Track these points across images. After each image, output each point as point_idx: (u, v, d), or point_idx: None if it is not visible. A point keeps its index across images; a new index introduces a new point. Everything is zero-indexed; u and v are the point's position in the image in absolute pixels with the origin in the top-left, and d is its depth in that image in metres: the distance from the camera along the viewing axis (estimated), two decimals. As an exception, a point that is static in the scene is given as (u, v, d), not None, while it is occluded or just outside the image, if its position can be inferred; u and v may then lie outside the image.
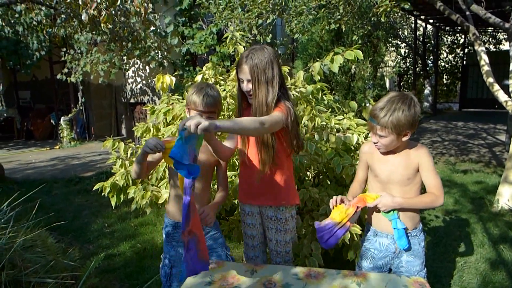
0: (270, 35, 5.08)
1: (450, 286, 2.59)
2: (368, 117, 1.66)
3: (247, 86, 1.78)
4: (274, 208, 1.90)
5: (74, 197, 4.84)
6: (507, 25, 4.13)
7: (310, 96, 3.02)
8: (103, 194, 2.83)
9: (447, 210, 3.98)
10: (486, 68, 4.07)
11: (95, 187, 2.81)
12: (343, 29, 4.17)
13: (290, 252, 1.99)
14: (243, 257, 2.13)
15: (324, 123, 2.89)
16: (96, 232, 3.65)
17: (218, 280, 1.66)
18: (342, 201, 1.71)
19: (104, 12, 2.65)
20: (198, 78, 2.81)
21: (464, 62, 15.53)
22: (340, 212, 1.69)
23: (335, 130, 2.84)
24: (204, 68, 2.90)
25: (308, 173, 2.99)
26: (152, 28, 7.07)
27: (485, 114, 12.68)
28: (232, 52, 3.17)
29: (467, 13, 4.26)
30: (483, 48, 4.13)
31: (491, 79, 4.01)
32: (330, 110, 3.25)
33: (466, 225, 3.58)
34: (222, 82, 2.90)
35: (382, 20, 3.34)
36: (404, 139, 1.63)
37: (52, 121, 9.70)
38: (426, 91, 14.33)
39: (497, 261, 2.89)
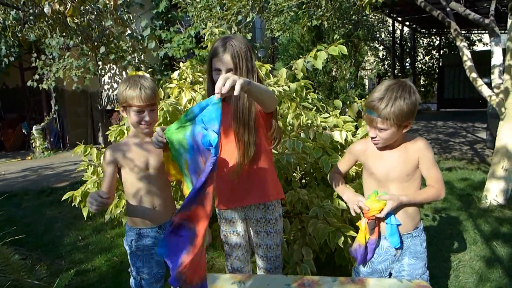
0: (250, 33, 4.94)
1: (448, 287, 2.47)
2: (365, 109, 1.52)
3: None
4: (263, 208, 1.73)
5: (46, 209, 4.53)
6: (487, 21, 4.12)
7: (294, 95, 2.88)
8: (73, 204, 2.61)
9: (436, 208, 3.89)
10: (468, 63, 4.04)
11: (64, 197, 2.58)
12: (325, 26, 4.07)
13: (280, 256, 1.83)
14: (226, 270, 1.93)
15: (310, 121, 2.75)
16: (69, 246, 3.39)
17: (202, 295, 1.48)
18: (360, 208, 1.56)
19: (69, 5, 2.44)
20: (175, 74, 2.63)
21: (440, 64, 15.83)
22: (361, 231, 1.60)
23: (321, 128, 2.70)
24: (181, 64, 2.71)
25: (294, 174, 2.84)
26: (129, 31, 6.84)
27: (462, 113, 12.89)
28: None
29: (448, 9, 4.23)
30: (465, 44, 4.10)
31: (474, 74, 3.98)
32: (314, 108, 3.13)
33: (456, 223, 3.50)
34: (201, 79, 2.72)
35: (367, 12, 3.24)
36: (405, 131, 1.50)
37: (23, 131, 9.24)
38: (405, 92, 14.48)
39: (492, 259, 2.80)
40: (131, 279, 1.77)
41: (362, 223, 1.58)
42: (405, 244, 1.59)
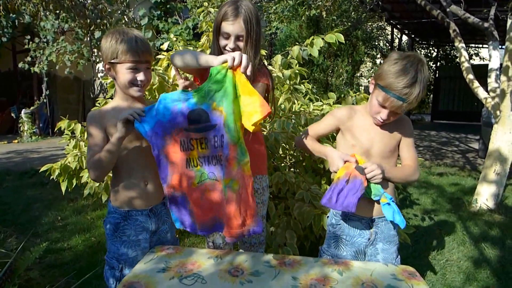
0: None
1: (434, 284, 2.39)
2: (389, 94, 1.34)
3: (234, 44, 1.48)
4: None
5: (26, 189, 4.40)
6: (486, 24, 4.09)
7: (288, 81, 2.81)
8: (52, 177, 2.50)
9: (426, 209, 3.84)
10: (466, 64, 4.00)
11: (42, 169, 2.47)
12: (324, 17, 4.00)
13: (264, 229, 1.76)
14: (206, 247, 1.84)
15: (303, 109, 2.68)
16: (46, 225, 3.26)
17: (175, 267, 1.38)
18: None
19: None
20: (165, 45, 2.54)
21: (437, 75, 15.90)
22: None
23: (313, 114, 2.63)
24: (171, 35, 2.62)
25: (282, 164, 2.77)
26: (126, 19, 6.73)
27: (456, 125, 12.95)
28: (206, 31, 2.92)
29: (448, 10, 4.20)
30: (463, 45, 4.07)
31: (471, 76, 3.94)
32: (308, 97, 3.06)
33: (445, 224, 3.44)
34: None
35: (368, 1, 3.18)
36: None
37: (12, 115, 9.05)
38: (400, 101, 14.50)
39: (480, 260, 2.74)
40: (106, 270, 1.48)
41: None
42: (380, 228, 1.51)
